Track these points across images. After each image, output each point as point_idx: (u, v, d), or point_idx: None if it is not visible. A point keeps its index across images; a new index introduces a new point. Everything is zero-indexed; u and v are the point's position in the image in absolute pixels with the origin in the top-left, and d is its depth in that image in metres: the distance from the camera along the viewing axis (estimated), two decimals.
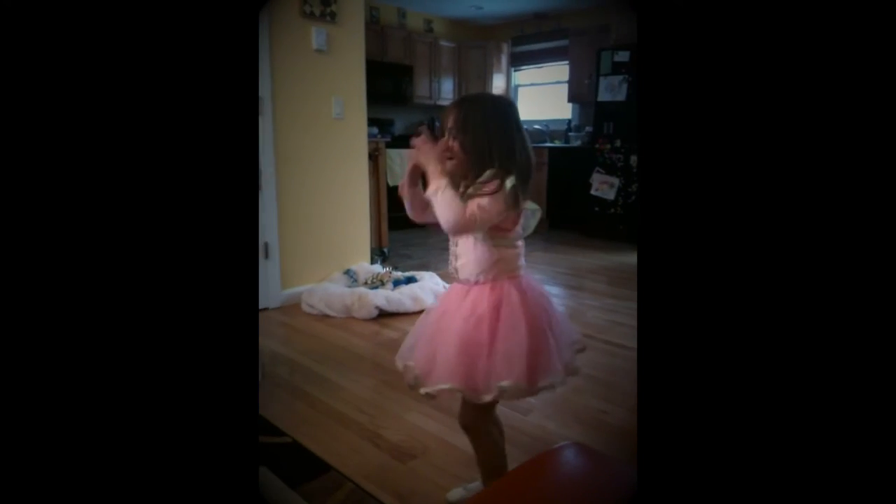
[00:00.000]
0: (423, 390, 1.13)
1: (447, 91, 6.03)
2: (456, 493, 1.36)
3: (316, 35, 2.85)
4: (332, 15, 2.90)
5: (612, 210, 4.76)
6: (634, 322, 1.17)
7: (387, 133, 5.24)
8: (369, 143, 3.33)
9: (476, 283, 1.13)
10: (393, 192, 4.31)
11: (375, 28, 5.13)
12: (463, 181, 1.10)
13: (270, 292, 2.86)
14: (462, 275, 1.16)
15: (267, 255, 2.83)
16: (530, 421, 1.74)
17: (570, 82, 5.54)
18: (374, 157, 3.57)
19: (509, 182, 1.04)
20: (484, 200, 1.03)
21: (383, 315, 2.68)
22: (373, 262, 3.35)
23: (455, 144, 1.09)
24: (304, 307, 2.80)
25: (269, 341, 2.39)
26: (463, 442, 1.57)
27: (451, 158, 1.09)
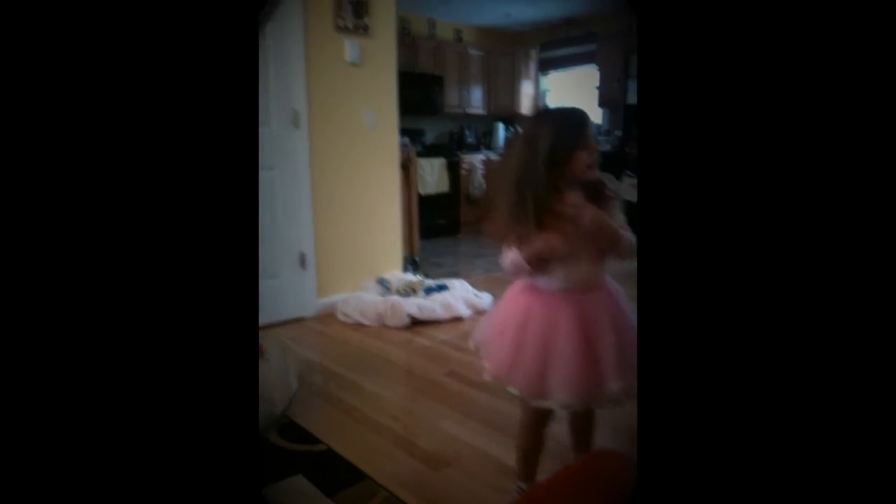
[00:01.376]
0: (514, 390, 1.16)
1: (476, 99, 6.06)
2: None
3: (349, 48, 2.92)
4: (365, 28, 2.96)
5: None
6: None
7: (418, 142, 5.29)
8: (401, 152, 3.37)
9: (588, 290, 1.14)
10: (424, 200, 4.35)
11: (406, 39, 5.20)
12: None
13: (307, 301, 2.92)
14: (587, 280, 1.16)
15: (303, 265, 2.89)
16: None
17: (600, 86, 5.50)
18: (405, 167, 3.61)
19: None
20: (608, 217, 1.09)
21: (416, 323, 2.71)
22: (405, 270, 3.38)
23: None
24: (340, 316, 2.85)
25: (306, 350, 2.44)
26: (497, 450, 1.57)
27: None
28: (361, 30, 2.95)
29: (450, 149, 5.71)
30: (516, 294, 1.19)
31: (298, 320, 2.87)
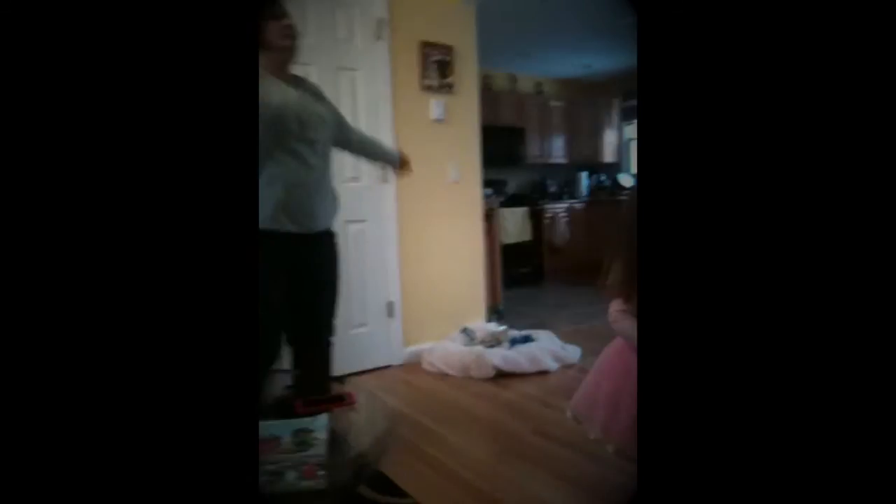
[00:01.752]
0: None
1: (558, 149, 6.08)
2: None
3: (434, 106, 3.04)
4: (450, 86, 3.09)
5: None
6: None
7: (501, 193, 5.35)
8: (484, 203, 3.42)
9: None
10: (507, 250, 4.35)
11: (488, 94, 5.36)
12: None
13: (393, 350, 2.96)
14: None
15: (391, 314, 2.95)
16: None
17: None
18: (488, 217, 3.65)
19: None
20: None
21: (501, 375, 2.66)
22: (489, 320, 3.36)
23: None
24: (425, 365, 2.86)
25: (392, 399, 2.45)
26: None
27: None
28: (446, 88, 3.08)
29: (532, 198, 5.72)
30: (618, 354, 1.14)
31: (385, 369, 2.90)
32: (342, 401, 1.20)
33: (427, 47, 2.98)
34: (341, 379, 1.78)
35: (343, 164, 2.77)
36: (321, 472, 0.88)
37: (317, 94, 1.69)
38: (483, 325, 3.17)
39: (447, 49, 3.06)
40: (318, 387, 1.33)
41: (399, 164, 1.99)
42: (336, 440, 1.01)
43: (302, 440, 0.99)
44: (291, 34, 1.55)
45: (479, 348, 2.80)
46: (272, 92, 1.48)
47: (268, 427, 1.04)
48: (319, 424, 1.05)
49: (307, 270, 1.60)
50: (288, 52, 1.58)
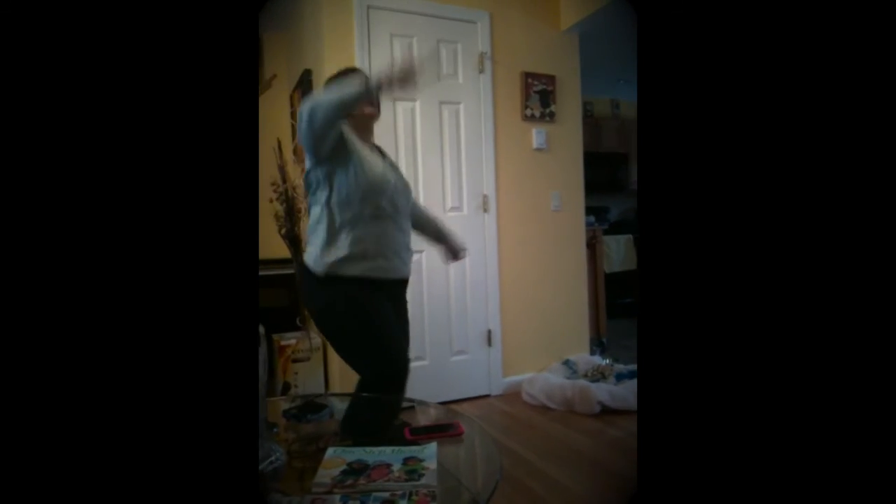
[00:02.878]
0: None
1: None
2: None
3: (536, 135, 3.04)
4: (552, 115, 3.08)
5: None
6: None
7: (603, 220, 5.21)
8: (586, 231, 3.34)
9: None
10: (611, 279, 4.19)
11: (590, 120, 5.28)
12: None
13: (492, 380, 2.94)
14: None
15: (490, 343, 2.94)
16: None
17: None
18: (591, 245, 3.55)
19: None
20: None
21: (606, 411, 2.54)
22: (591, 352, 3.24)
23: None
24: (525, 397, 2.80)
25: (492, 429, 2.43)
26: None
27: None
28: (548, 117, 3.07)
29: (636, 225, 5.50)
30: None
31: (484, 398, 2.88)
32: (450, 430, 1.20)
33: (529, 77, 3.01)
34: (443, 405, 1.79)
35: (446, 195, 2.84)
36: None
37: (395, 166, 1.80)
38: (586, 358, 3.06)
39: (549, 78, 3.06)
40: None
41: (457, 251, 1.95)
42: (443, 471, 1.01)
43: (412, 469, 0.99)
44: (373, 102, 1.64)
45: (583, 382, 2.70)
46: (373, 162, 1.59)
47: (378, 454, 1.07)
48: (429, 453, 1.05)
49: (400, 306, 1.77)
50: (370, 119, 1.67)
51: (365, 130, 1.68)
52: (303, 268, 1.63)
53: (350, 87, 1.42)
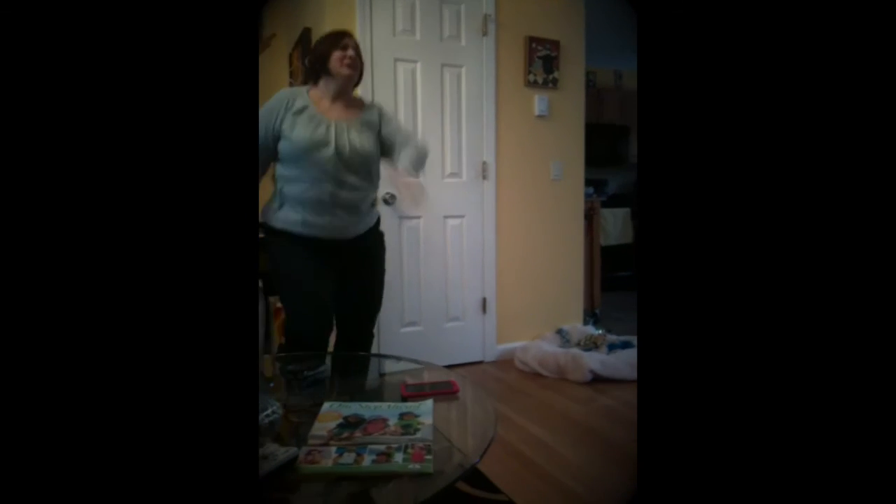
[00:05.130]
0: None
1: None
2: None
3: (538, 102, 3.00)
4: (555, 82, 3.03)
5: None
6: None
7: (602, 193, 5.19)
8: (585, 202, 3.32)
9: None
10: (606, 251, 4.19)
11: (592, 91, 5.21)
12: None
13: (487, 346, 2.96)
14: None
15: (485, 310, 2.95)
16: None
17: None
18: (589, 217, 3.54)
19: None
20: None
21: (598, 380, 2.57)
22: (585, 323, 3.26)
23: None
24: (517, 364, 2.83)
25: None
26: None
27: None
28: (551, 84, 3.02)
29: (634, 199, 5.49)
30: None
31: (477, 364, 2.91)
32: (446, 388, 1.21)
33: (533, 42, 2.94)
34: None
35: (445, 161, 2.81)
36: (428, 457, 0.88)
37: (369, 123, 1.80)
38: (579, 327, 3.09)
39: (553, 44, 3.00)
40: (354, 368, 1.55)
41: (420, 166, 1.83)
42: (438, 428, 1.02)
43: (408, 423, 1.00)
44: (353, 64, 1.71)
45: (576, 350, 2.72)
46: (308, 126, 1.67)
47: (374, 409, 1.07)
48: (425, 409, 1.06)
49: (351, 270, 1.82)
50: (348, 80, 1.74)
51: (342, 91, 1.75)
52: None
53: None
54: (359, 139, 1.72)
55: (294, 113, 1.67)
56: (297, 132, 1.65)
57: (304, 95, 1.72)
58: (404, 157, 1.73)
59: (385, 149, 1.82)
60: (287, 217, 1.69)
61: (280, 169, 1.71)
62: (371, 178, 1.78)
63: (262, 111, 1.72)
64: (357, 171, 1.72)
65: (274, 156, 1.71)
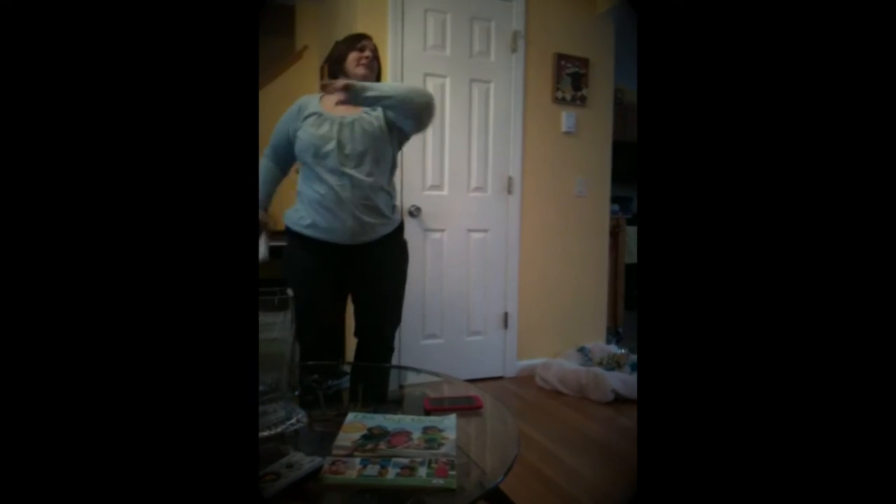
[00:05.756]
0: None
1: None
2: None
3: (566, 118, 3.00)
4: (583, 99, 3.03)
5: None
6: None
7: (627, 210, 5.14)
8: (610, 219, 3.30)
9: None
10: (631, 269, 4.15)
11: (620, 109, 5.18)
12: None
13: (507, 362, 2.94)
14: None
15: (506, 325, 2.94)
16: None
17: None
18: (613, 234, 3.51)
19: None
20: None
21: (620, 400, 2.53)
22: (607, 341, 3.22)
23: None
24: (538, 381, 2.80)
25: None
26: None
27: None
28: (578, 101, 3.02)
29: None
30: None
31: (497, 379, 2.89)
32: (470, 403, 1.21)
33: (562, 59, 2.95)
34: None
35: (470, 175, 2.82)
36: (452, 473, 0.88)
37: (375, 110, 1.74)
38: (601, 346, 3.05)
39: (582, 61, 3.01)
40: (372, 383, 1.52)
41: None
42: (461, 444, 1.01)
43: (432, 437, 1.00)
44: (368, 64, 1.75)
45: (598, 370, 2.69)
46: (315, 125, 1.69)
47: (398, 421, 1.08)
48: (448, 424, 1.06)
49: (361, 275, 1.78)
50: (363, 80, 1.71)
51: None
52: None
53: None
54: (361, 127, 1.66)
55: (305, 117, 1.71)
56: (301, 133, 1.69)
57: (316, 100, 1.76)
58: (401, 114, 1.69)
59: (394, 127, 1.75)
60: (298, 218, 1.72)
61: (301, 169, 1.77)
62: (380, 167, 1.69)
63: (281, 118, 1.79)
64: (361, 161, 1.65)
65: (292, 160, 1.80)
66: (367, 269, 1.74)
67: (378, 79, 1.83)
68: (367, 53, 1.74)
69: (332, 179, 1.64)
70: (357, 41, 1.77)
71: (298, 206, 1.74)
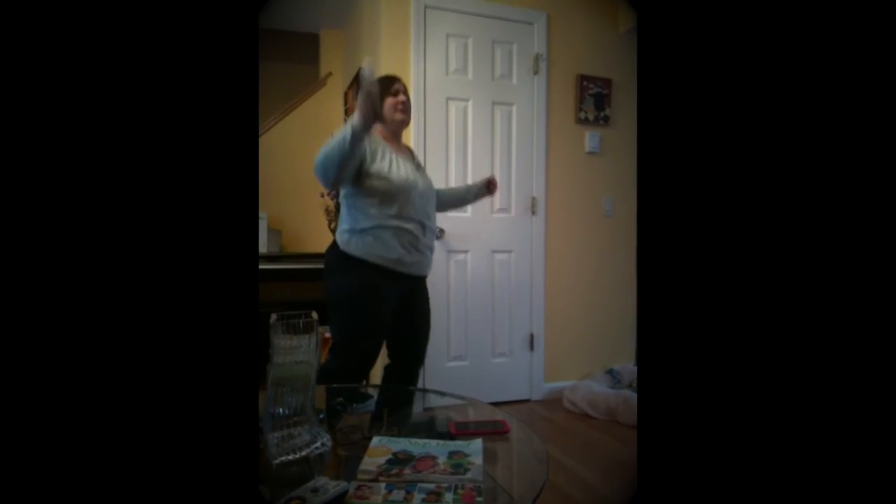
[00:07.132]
0: None
1: None
2: None
3: (589, 138, 2.99)
4: (606, 119, 3.02)
5: None
6: None
7: None
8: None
9: None
10: None
11: None
12: None
13: (534, 384, 2.90)
14: None
15: (532, 347, 2.90)
16: None
17: None
18: None
19: None
20: None
21: None
22: (637, 363, 3.15)
23: None
24: (566, 403, 2.75)
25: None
26: None
27: None
28: (602, 121, 3.01)
29: None
30: None
31: (524, 402, 2.84)
32: (497, 428, 1.18)
33: (584, 80, 2.96)
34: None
35: (494, 196, 2.82)
36: (479, 499, 0.86)
37: (421, 167, 1.94)
38: (630, 368, 2.98)
39: (605, 81, 3.01)
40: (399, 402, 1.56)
41: (490, 184, 2.13)
42: (487, 469, 0.99)
43: (458, 462, 0.98)
44: (405, 109, 1.80)
45: (628, 392, 2.63)
46: (399, 166, 1.72)
47: (423, 445, 1.06)
48: (474, 449, 1.04)
49: (414, 302, 1.88)
50: (400, 125, 1.82)
51: (395, 134, 1.83)
52: (333, 242, 1.80)
53: (343, 133, 1.53)
54: (424, 178, 1.84)
55: (382, 154, 1.69)
56: (394, 171, 1.69)
57: (381, 140, 1.75)
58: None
59: None
60: (372, 249, 1.68)
61: (365, 199, 1.69)
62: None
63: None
64: (433, 208, 1.85)
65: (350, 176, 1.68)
66: (420, 295, 1.90)
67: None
68: (402, 98, 1.79)
69: (421, 220, 1.76)
70: (390, 85, 1.78)
71: (367, 235, 1.69)
